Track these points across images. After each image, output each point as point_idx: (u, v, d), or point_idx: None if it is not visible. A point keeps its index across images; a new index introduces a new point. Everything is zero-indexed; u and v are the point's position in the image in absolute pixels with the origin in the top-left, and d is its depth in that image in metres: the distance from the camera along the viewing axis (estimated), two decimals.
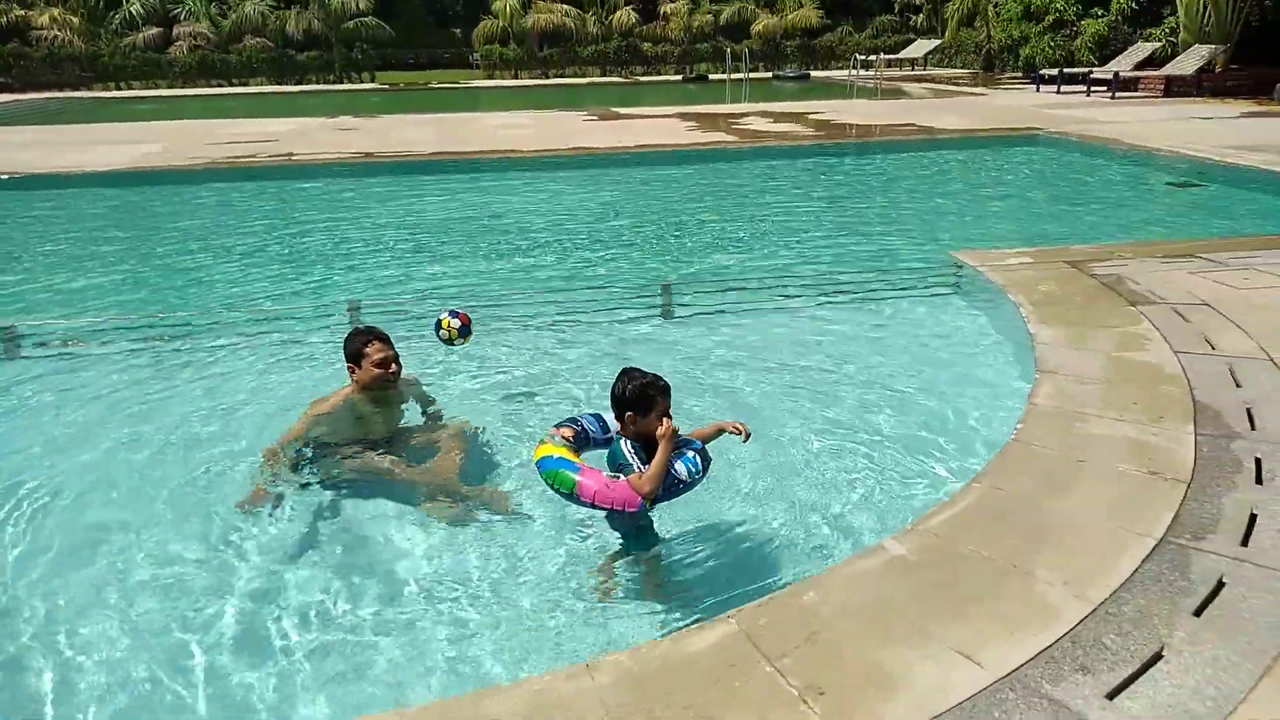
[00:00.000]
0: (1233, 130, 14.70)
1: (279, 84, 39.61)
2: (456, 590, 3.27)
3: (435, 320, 4.65)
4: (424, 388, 4.70)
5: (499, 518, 3.73)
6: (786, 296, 6.61)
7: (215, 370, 5.49)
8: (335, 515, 3.80)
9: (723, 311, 6.36)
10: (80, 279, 7.96)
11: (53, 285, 7.79)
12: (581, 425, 3.53)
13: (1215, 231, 8.95)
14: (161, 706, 2.74)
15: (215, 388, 5.21)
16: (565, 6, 43.52)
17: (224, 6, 42.23)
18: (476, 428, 4.45)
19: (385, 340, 4.27)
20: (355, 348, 4.22)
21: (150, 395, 5.11)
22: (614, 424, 3.44)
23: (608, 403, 3.45)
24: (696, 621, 2.90)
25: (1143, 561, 2.85)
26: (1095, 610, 2.61)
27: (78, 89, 37.44)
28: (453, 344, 4.68)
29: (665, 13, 44.56)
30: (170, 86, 39.18)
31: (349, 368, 4.25)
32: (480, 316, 5.03)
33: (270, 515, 3.75)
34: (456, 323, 4.60)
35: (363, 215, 10.57)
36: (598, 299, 6.58)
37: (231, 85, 39.54)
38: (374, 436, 4.17)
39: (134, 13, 40.80)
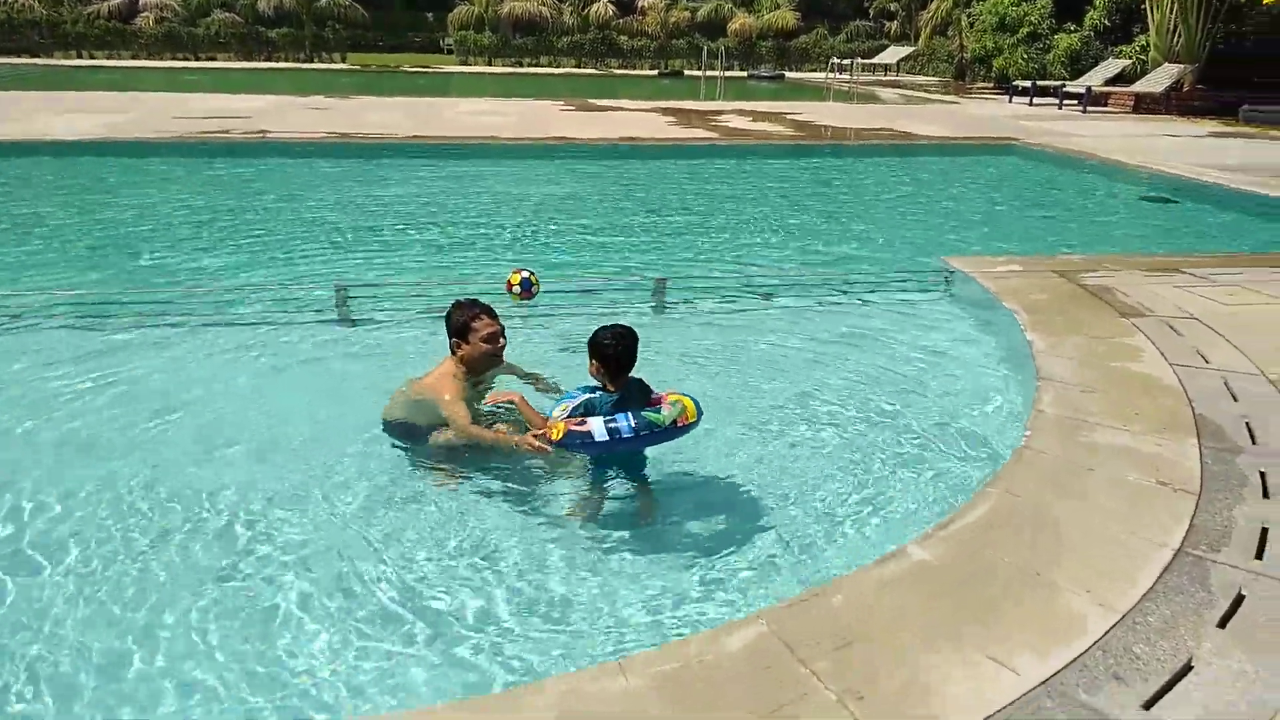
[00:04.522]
0: (1202, 148, 14.99)
1: (247, 60, 38.92)
2: (475, 578, 3.20)
3: (524, 280, 4.97)
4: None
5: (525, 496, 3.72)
6: (781, 297, 6.59)
7: (198, 349, 5.34)
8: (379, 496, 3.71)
9: (717, 309, 6.33)
10: (40, 251, 7.70)
11: (11, 256, 7.53)
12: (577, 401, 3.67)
13: (1190, 247, 9.10)
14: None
15: (201, 367, 5.07)
16: None
17: None
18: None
19: (492, 314, 4.07)
20: (461, 321, 4.01)
21: (128, 373, 4.94)
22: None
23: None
24: (719, 615, 2.88)
25: (1163, 572, 2.87)
26: (1122, 619, 2.62)
27: (36, 56, 36.45)
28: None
29: (643, 7, 44.53)
30: (134, 58, 38.33)
31: (454, 343, 4.04)
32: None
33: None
34: (535, 276, 4.97)
35: (341, 196, 10.37)
36: (591, 291, 6.52)
37: (198, 60, 38.76)
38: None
39: None
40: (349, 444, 4.10)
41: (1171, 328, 5.37)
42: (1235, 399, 4.32)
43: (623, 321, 3.73)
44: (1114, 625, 2.59)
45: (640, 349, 3.70)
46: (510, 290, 5.16)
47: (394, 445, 4.04)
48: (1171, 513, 3.24)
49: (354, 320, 5.87)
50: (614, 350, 3.59)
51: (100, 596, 3.06)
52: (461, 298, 4.21)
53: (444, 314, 4.19)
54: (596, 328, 3.68)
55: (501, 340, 4.09)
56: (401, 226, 9.00)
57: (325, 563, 3.26)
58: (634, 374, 3.73)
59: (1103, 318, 5.57)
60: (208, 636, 2.87)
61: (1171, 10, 22.15)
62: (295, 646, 2.84)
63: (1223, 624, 2.61)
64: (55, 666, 2.73)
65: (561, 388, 4.31)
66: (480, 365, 4.07)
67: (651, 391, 3.72)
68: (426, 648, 2.84)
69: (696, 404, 3.58)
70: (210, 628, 2.91)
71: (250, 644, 2.84)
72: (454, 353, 4.05)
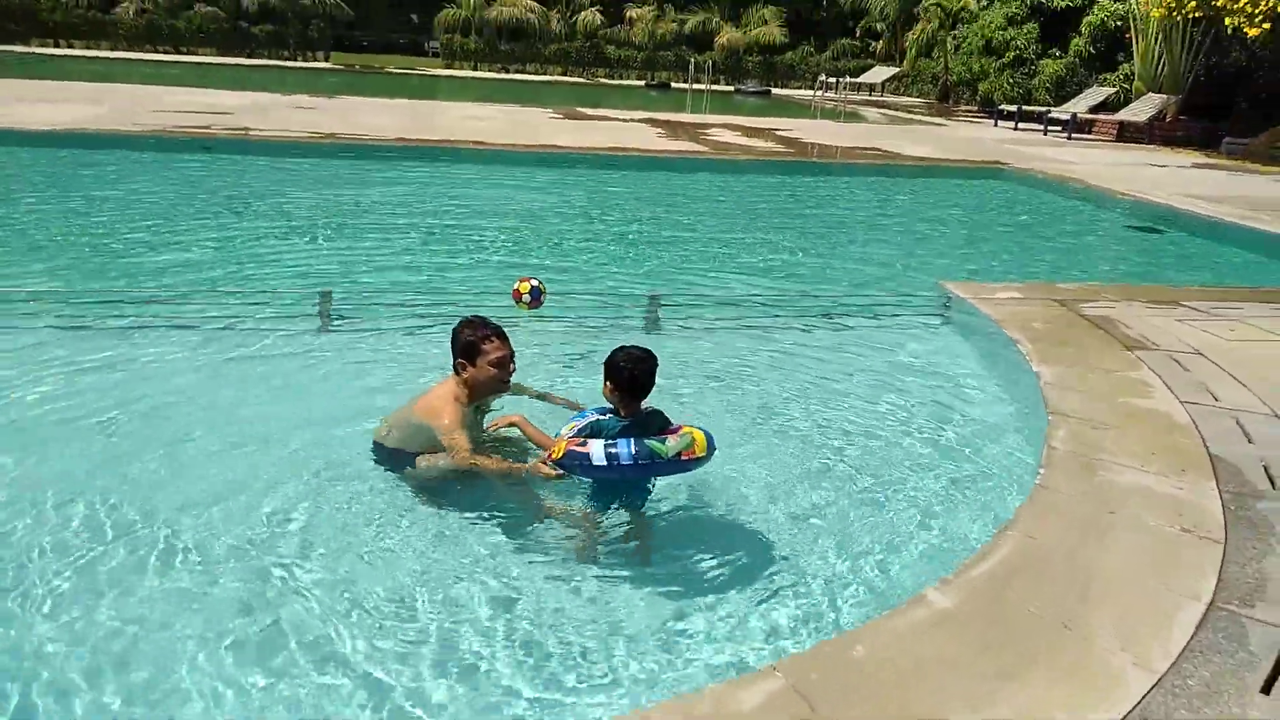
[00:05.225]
0: (1187, 179, 15.06)
1: (228, 56, 38.43)
2: (459, 621, 2.98)
3: (533, 288, 5.07)
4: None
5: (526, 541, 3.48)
6: (775, 319, 6.43)
7: (173, 354, 5.09)
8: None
9: (710, 329, 6.15)
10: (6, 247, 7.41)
11: None
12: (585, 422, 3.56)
13: (1179, 279, 9.05)
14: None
15: (177, 373, 4.82)
16: (530, 1, 43.12)
17: None
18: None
19: (503, 336, 3.74)
20: (470, 341, 3.67)
21: (103, 380, 4.69)
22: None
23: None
24: (730, 665, 2.69)
25: (1197, 628, 2.72)
26: (1160, 681, 2.47)
27: (13, 43, 35.78)
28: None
29: (630, 17, 44.49)
30: (113, 49, 37.72)
31: (458, 363, 3.72)
32: (452, 317, 4.73)
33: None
34: (544, 284, 5.13)
35: (326, 199, 10.12)
36: (581, 305, 6.34)
37: (179, 53, 38.21)
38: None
39: None
40: (330, 461, 3.89)
41: (1177, 363, 5.27)
42: (1250, 440, 4.21)
43: (618, 337, 3.54)
44: (1152, 687, 2.44)
45: None
46: (519, 299, 4.97)
47: (380, 468, 3.82)
48: (1198, 562, 3.10)
49: (338, 327, 5.65)
50: (628, 373, 3.40)
51: (59, 611, 2.83)
52: (471, 315, 3.89)
53: (434, 323, 3.97)
54: (615, 347, 3.49)
55: (512, 366, 3.79)
56: (388, 231, 8.78)
57: (297, 593, 3.04)
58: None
59: (1108, 350, 5.45)
60: (179, 661, 2.64)
61: (1155, 40, 22.34)
62: (263, 680, 2.61)
63: (1267, 689, 2.47)
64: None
65: (579, 404, 4.07)
66: (485, 390, 3.79)
67: (670, 424, 3.51)
68: (405, 699, 2.63)
69: (709, 438, 3.36)
70: (182, 653, 2.68)
71: (221, 674, 2.62)
72: (458, 373, 3.75)
